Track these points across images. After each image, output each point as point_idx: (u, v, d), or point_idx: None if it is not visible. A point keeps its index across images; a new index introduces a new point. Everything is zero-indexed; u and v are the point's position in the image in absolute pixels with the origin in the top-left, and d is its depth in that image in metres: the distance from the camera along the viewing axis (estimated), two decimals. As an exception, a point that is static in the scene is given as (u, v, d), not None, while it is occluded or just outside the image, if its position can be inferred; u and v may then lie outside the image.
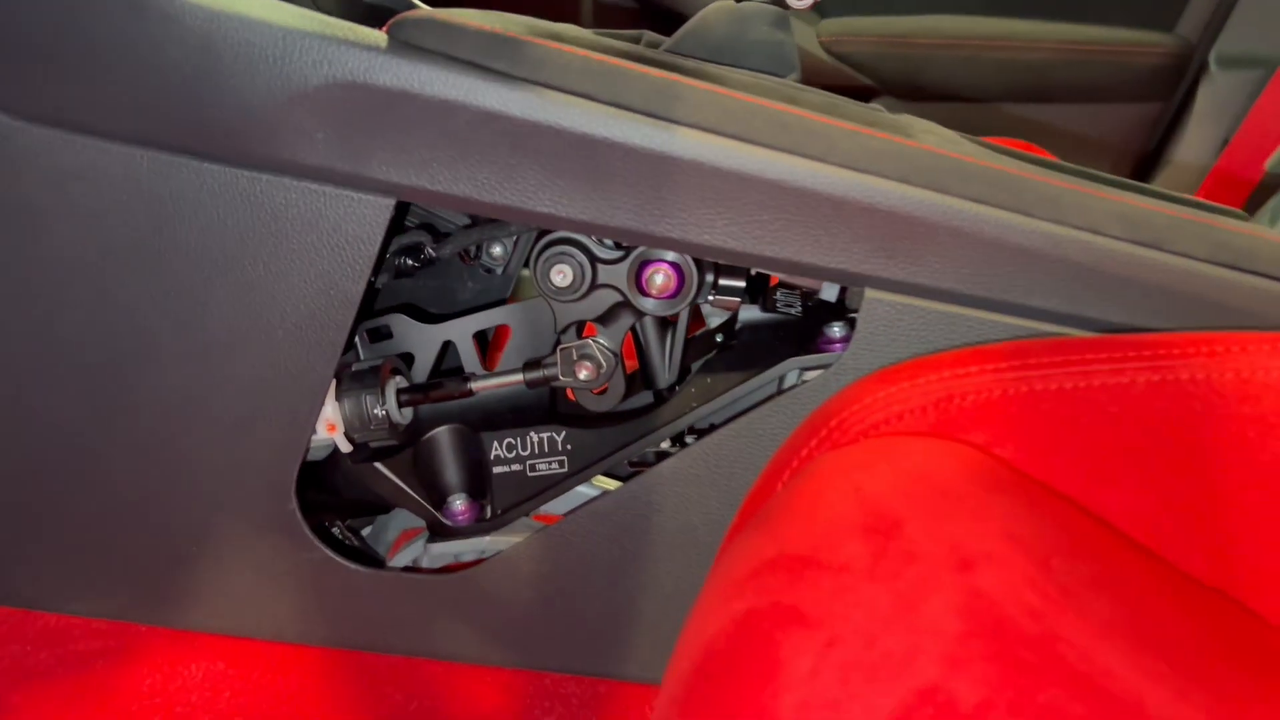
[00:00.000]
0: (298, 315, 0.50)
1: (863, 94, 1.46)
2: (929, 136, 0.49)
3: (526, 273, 0.89)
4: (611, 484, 0.59)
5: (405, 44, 0.45)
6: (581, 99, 0.45)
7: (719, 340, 0.65)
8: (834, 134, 0.45)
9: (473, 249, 0.70)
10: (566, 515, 0.55)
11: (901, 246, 0.46)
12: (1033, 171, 0.46)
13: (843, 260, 0.46)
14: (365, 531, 0.70)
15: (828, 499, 0.34)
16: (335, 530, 0.67)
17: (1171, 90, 1.43)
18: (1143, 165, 1.48)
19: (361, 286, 0.49)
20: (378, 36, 0.45)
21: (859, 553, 0.31)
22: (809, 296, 0.62)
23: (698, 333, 0.64)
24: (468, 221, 0.67)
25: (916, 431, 0.40)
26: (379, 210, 0.47)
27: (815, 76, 1.44)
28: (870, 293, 0.47)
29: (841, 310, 0.55)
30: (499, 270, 0.73)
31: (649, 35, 0.65)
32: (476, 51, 0.44)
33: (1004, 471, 0.37)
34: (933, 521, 0.32)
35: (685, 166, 0.45)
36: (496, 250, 0.73)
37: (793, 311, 0.57)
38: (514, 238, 0.72)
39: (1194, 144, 1.38)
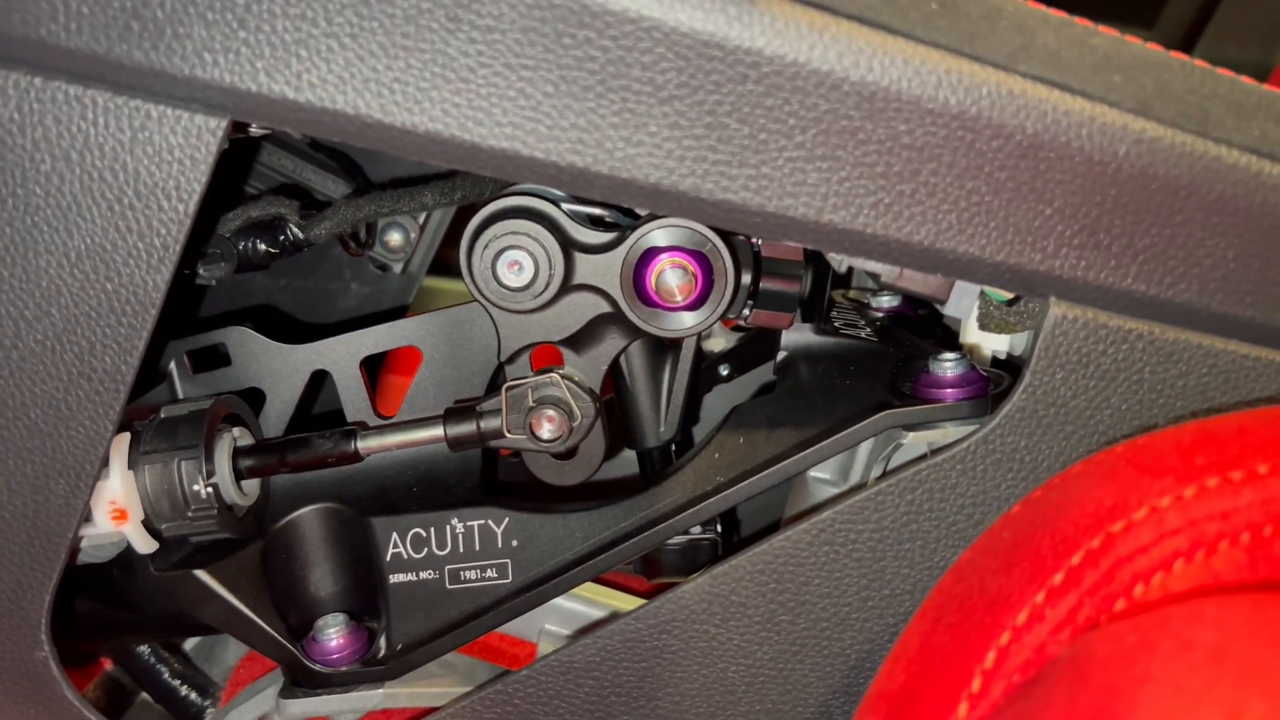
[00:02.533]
0: (52, 319, 0.28)
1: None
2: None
3: (435, 281, 0.67)
4: (622, 600, 0.38)
5: None
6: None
7: (723, 374, 0.45)
8: (1031, 20, 0.26)
9: (361, 231, 0.48)
10: (525, 669, 0.34)
11: (1123, 227, 0.26)
12: None
13: (1020, 248, 0.27)
14: (188, 645, 0.47)
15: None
16: (142, 651, 0.44)
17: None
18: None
19: (167, 274, 0.27)
20: None
21: None
22: (864, 308, 0.42)
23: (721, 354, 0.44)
24: (350, 188, 0.45)
25: (1246, 579, 0.20)
26: (201, 136, 0.26)
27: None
28: (1060, 306, 0.28)
29: (934, 327, 0.36)
30: (397, 266, 0.51)
31: None
32: None
33: None
34: None
35: (769, 70, 0.25)
36: (394, 237, 0.51)
37: (861, 334, 0.38)
38: (420, 217, 0.50)
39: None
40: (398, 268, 0.51)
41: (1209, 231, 0.26)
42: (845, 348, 0.38)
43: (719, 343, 0.46)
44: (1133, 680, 0.17)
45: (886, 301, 0.42)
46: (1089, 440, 0.28)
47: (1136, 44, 0.27)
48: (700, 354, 0.42)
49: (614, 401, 0.39)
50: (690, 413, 0.40)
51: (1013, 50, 0.26)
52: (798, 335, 0.38)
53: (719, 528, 0.39)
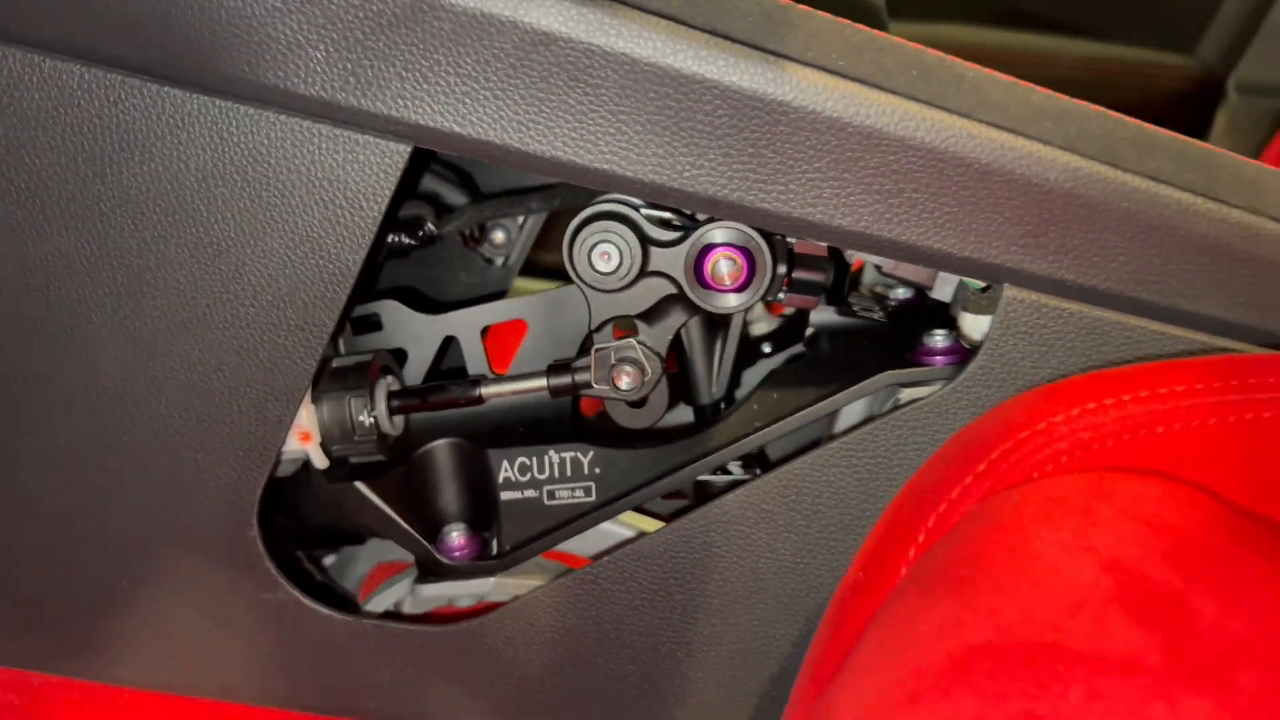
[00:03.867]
0: (274, 291, 0.39)
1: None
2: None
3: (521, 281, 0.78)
4: (649, 523, 0.48)
5: None
6: (665, 20, 0.34)
7: (765, 351, 0.55)
8: (986, 83, 0.36)
9: (475, 230, 0.59)
10: (597, 558, 0.44)
11: (1056, 232, 0.36)
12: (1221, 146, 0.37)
13: (980, 247, 0.36)
14: (327, 562, 0.58)
15: (1049, 559, 0.24)
16: (304, 563, 0.56)
17: (1189, 114, 1.36)
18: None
19: (361, 257, 0.38)
20: None
21: (1141, 644, 0.21)
22: (882, 299, 0.52)
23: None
24: (466, 196, 0.56)
25: (1122, 464, 0.30)
26: (391, 158, 0.37)
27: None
28: (1011, 290, 0.37)
29: (938, 314, 0.45)
30: (499, 260, 0.62)
31: None
32: None
33: (1254, 524, 0.27)
34: (1227, 598, 0.22)
35: (794, 116, 0.35)
36: (499, 236, 0.62)
37: (875, 316, 0.48)
38: (521, 220, 0.61)
39: (1210, 173, 1.32)
40: (499, 261, 0.61)
41: (1120, 236, 0.36)
42: (862, 326, 0.47)
43: (763, 326, 0.56)
44: (1017, 517, 0.27)
45: (901, 293, 0.52)
46: (1025, 382, 0.38)
47: (1064, 99, 0.37)
48: (745, 331, 0.52)
49: (677, 365, 0.49)
50: (736, 378, 0.51)
51: (972, 104, 0.35)
52: (824, 316, 0.48)
53: (758, 470, 0.49)
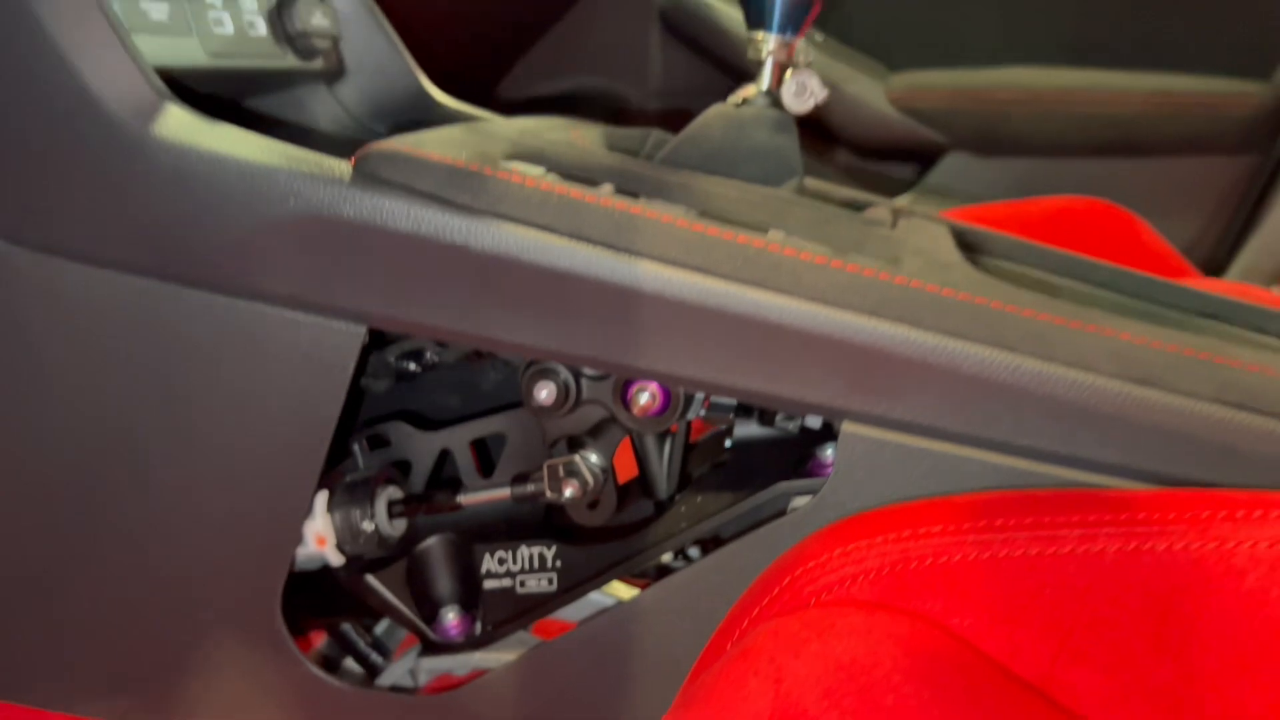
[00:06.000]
0: (275, 436, 0.50)
1: (933, 150, 1.41)
2: (916, 258, 0.46)
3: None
4: (626, 591, 0.57)
5: (371, 176, 0.45)
6: (541, 231, 0.44)
7: (729, 446, 0.63)
8: (799, 267, 0.43)
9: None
10: (555, 639, 0.54)
11: (875, 381, 0.43)
12: (1024, 304, 0.43)
13: (816, 393, 0.44)
14: (381, 629, 0.70)
15: (748, 687, 0.32)
16: (344, 630, 0.67)
17: (1270, 141, 1.34)
18: (1240, 219, 1.39)
19: (336, 410, 0.49)
20: (343, 169, 0.45)
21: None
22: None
23: (705, 436, 0.62)
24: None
25: (868, 598, 0.37)
26: (351, 337, 0.47)
27: (884, 133, 1.40)
28: (848, 426, 0.45)
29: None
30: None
31: (656, 134, 0.64)
32: (438, 185, 0.44)
33: (955, 652, 0.34)
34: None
35: (648, 299, 0.43)
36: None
37: (791, 428, 0.55)
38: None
39: (1294, 199, 1.30)
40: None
41: (926, 382, 0.43)
42: (775, 439, 0.55)
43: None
44: (759, 645, 0.35)
45: None
46: (865, 501, 0.45)
47: (870, 275, 0.44)
48: (686, 441, 0.60)
49: (638, 468, 0.58)
50: (688, 474, 0.59)
51: (790, 284, 0.43)
52: (746, 429, 0.56)
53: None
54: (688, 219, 0.44)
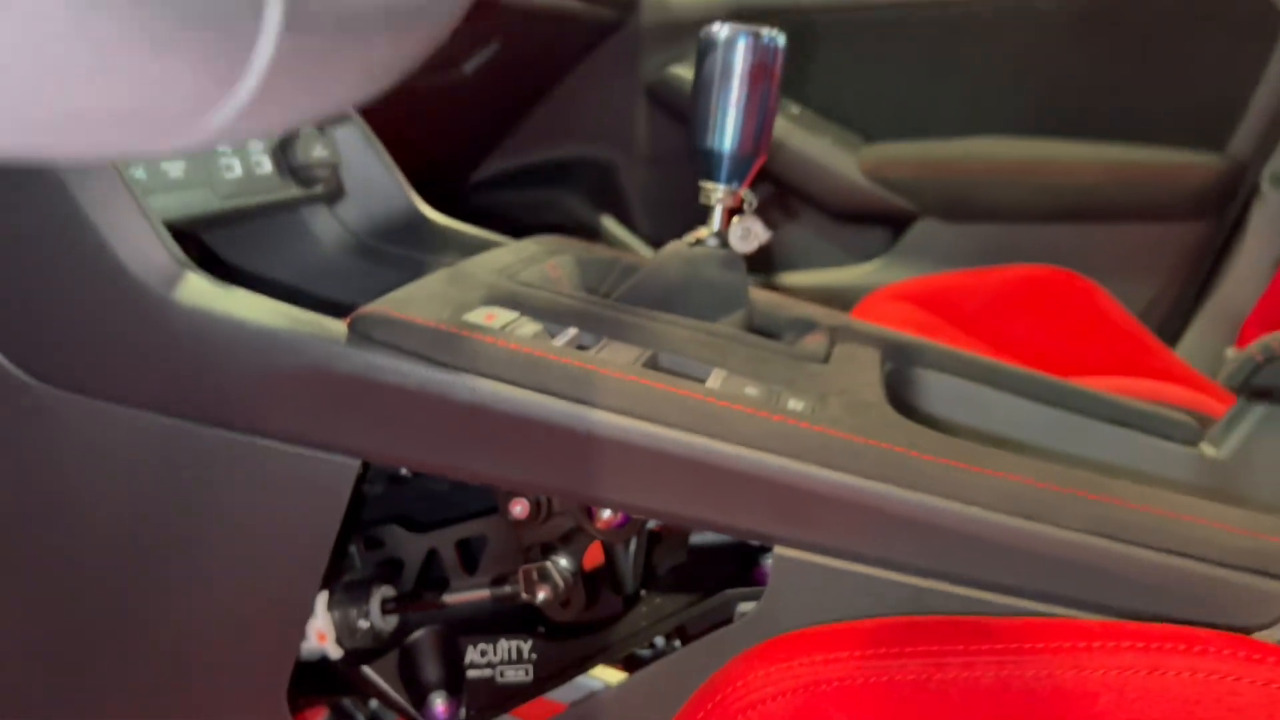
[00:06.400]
0: (282, 550, 0.57)
1: (905, 216, 1.49)
2: (839, 399, 0.53)
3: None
4: (613, 675, 0.64)
5: (364, 336, 0.51)
6: (509, 385, 0.51)
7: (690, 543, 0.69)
8: (733, 416, 0.50)
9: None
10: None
11: (800, 512, 0.50)
12: (925, 449, 0.50)
13: (750, 521, 0.51)
14: (375, 703, 0.76)
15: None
16: (345, 704, 0.74)
17: (1223, 209, 1.41)
18: (1195, 284, 1.46)
19: (334, 530, 0.56)
20: (340, 330, 0.52)
21: None
22: None
23: (668, 538, 0.69)
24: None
25: (784, 716, 0.44)
26: (347, 469, 0.54)
27: (858, 201, 1.47)
28: (779, 549, 0.51)
29: None
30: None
31: (623, 262, 0.71)
32: (421, 345, 0.51)
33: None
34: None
35: (601, 442, 0.50)
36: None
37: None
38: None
39: (1248, 263, 1.37)
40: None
41: (840, 513, 0.49)
42: (726, 545, 0.62)
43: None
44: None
45: None
46: (795, 617, 0.51)
47: (794, 424, 0.50)
48: (644, 543, 0.67)
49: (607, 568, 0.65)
50: (653, 570, 0.66)
51: (723, 431, 0.50)
52: (702, 536, 0.63)
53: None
54: (636, 373, 0.51)
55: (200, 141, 0.21)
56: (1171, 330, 1.43)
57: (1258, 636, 0.49)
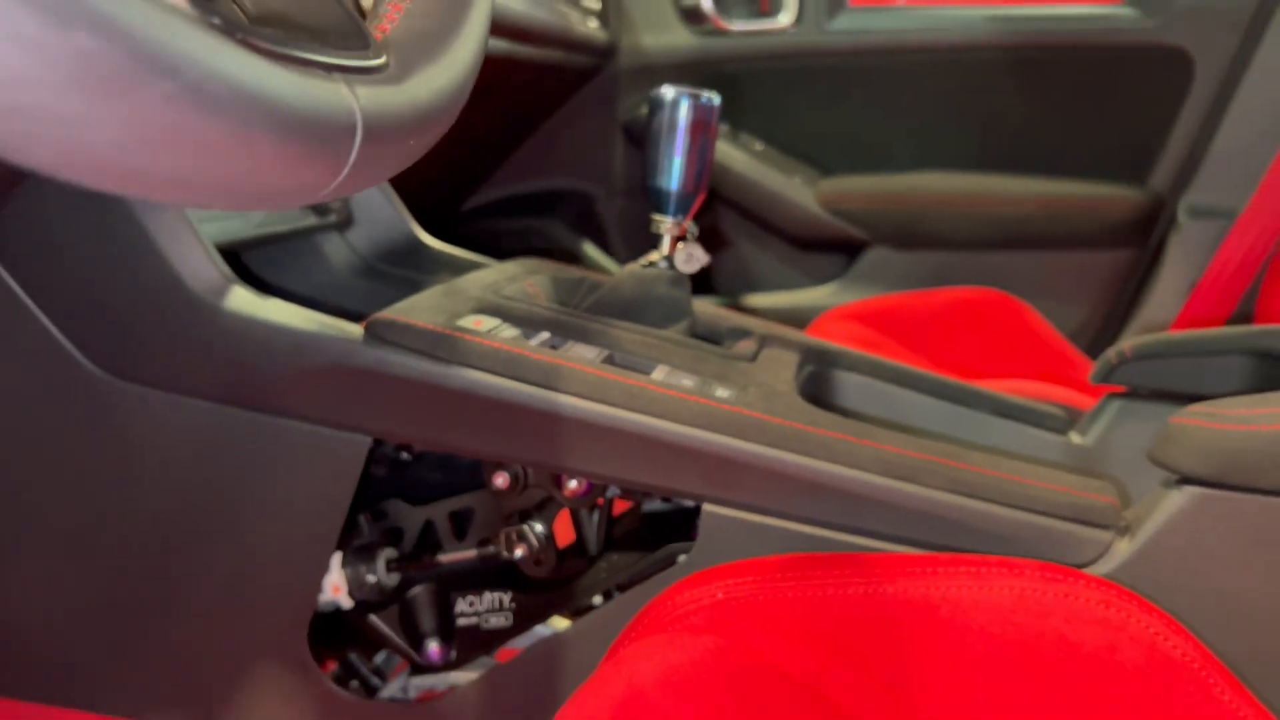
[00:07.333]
0: (305, 514, 0.69)
1: (858, 244, 1.63)
2: (758, 389, 0.66)
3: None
4: (561, 623, 0.77)
5: (376, 337, 0.64)
6: (493, 375, 0.64)
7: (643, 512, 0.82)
8: (671, 400, 0.63)
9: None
10: (509, 661, 0.73)
11: (723, 476, 0.63)
12: (821, 425, 0.63)
13: (684, 484, 0.64)
14: (379, 659, 0.89)
15: (611, 680, 0.51)
16: (352, 658, 0.86)
17: (1144, 239, 1.56)
18: (1121, 306, 1.61)
19: (349, 497, 0.68)
20: (357, 332, 0.65)
21: (608, 724, 0.48)
22: None
23: (626, 509, 0.81)
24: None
25: (702, 627, 0.57)
26: (360, 445, 0.67)
27: (815, 230, 1.62)
28: (707, 507, 0.64)
29: None
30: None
31: (589, 281, 0.85)
32: (423, 344, 0.64)
33: (752, 663, 0.54)
34: (674, 708, 0.49)
35: (567, 421, 0.63)
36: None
37: (687, 504, 0.75)
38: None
39: (1166, 288, 1.51)
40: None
41: (753, 477, 0.62)
42: (673, 511, 0.75)
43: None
44: (614, 662, 0.54)
45: None
46: (718, 560, 0.64)
47: (717, 406, 0.63)
48: (609, 513, 0.80)
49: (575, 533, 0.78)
50: (611, 539, 0.78)
51: (661, 410, 0.63)
52: (654, 504, 0.75)
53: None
54: (596, 368, 0.64)
55: (309, 203, 0.34)
56: (1102, 348, 1.57)
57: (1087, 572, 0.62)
